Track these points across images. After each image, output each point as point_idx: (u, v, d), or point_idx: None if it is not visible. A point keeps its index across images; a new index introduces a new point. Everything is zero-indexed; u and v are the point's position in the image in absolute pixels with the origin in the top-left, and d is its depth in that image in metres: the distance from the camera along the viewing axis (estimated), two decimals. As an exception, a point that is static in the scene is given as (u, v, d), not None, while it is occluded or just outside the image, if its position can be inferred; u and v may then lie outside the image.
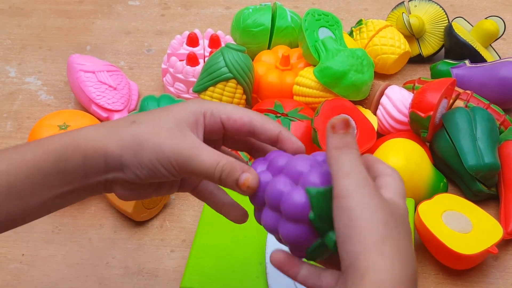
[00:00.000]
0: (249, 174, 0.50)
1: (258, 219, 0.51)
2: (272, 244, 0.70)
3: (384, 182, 0.48)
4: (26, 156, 0.51)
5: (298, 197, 0.47)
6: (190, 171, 0.50)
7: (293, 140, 0.53)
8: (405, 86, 0.96)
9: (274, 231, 0.49)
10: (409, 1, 1.05)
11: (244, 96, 0.92)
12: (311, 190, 0.46)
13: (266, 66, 0.95)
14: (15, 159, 0.51)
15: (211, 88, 0.90)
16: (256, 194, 0.50)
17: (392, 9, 1.06)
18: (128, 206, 0.81)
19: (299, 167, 0.48)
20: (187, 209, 0.85)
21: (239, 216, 0.57)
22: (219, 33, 1.00)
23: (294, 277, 0.50)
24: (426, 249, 0.78)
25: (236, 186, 0.50)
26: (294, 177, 0.48)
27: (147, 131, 0.51)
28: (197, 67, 0.95)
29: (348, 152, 0.46)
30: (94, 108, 0.95)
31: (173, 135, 0.51)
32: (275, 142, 0.53)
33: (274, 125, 0.53)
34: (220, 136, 0.55)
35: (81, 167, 0.51)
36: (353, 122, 0.46)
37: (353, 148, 0.46)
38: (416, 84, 0.94)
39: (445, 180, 0.84)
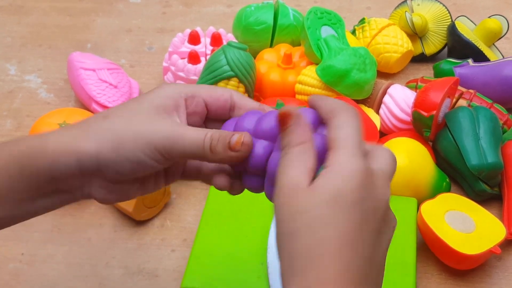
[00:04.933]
0: (239, 134, 0.48)
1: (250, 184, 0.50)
2: (274, 244, 0.70)
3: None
4: None
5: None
6: (178, 153, 0.48)
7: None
8: (408, 85, 0.95)
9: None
10: (412, -1, 1.04)
11: (246, 95, 0.91)
12: None
13: (268, 64, 0.94)
14: None
15: (212, 87, 0.89)
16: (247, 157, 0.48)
17: (395, 8, 1.06)
18: (128, 205, 0.80)
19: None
20: (188, 208, 0.85)
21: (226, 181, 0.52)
22: (221, 31, 1.00)
23: None
24: (429, 249, 0.78)
25: (230, 149, 0.47)
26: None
27: (124, 122, 0.48)
28: (198, 65, 0.94)
29: None
30: (95, 106, 0.94)
31: (152, 121, 0.48)
32: None
33: (252, 100, 0.52)
34: (202, 119, 0.53)
35: (48, 171, 0.48)
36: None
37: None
38: (419, 83, 0.94)
39: (447, 180, 0.83)
